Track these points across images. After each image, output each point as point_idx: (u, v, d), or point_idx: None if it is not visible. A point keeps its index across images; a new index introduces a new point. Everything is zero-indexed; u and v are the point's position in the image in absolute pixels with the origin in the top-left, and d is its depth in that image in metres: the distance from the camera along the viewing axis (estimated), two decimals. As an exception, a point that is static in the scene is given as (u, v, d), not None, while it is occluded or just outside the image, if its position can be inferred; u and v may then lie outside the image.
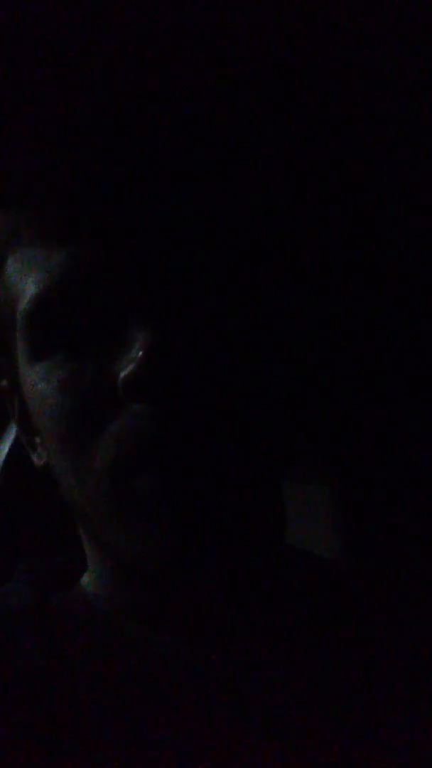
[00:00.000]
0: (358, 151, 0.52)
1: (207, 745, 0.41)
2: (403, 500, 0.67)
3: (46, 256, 0.43)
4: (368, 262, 0.60)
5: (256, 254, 0.46)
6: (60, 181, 0.43)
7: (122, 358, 0.41)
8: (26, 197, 0.44)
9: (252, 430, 0.43)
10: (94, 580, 0.50)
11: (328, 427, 0.69)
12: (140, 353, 0.39)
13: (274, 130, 0.48)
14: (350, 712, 0.43)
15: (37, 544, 0.63)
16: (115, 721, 0.42)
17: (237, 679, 0.44)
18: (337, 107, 0.49)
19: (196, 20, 0.43)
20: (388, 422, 0.67)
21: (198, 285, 0.43)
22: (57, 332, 0.43)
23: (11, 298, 0.46)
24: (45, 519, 0.65)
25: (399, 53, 0.47)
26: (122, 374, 0.40)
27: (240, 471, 0.43)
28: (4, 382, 0.51)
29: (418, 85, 0.47)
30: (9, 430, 0.66)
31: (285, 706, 0.43)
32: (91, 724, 0.42)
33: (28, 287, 0.44)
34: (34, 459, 0.50)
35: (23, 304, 0.44)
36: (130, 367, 0.40)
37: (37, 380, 0.44)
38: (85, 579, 0.51)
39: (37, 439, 0.50)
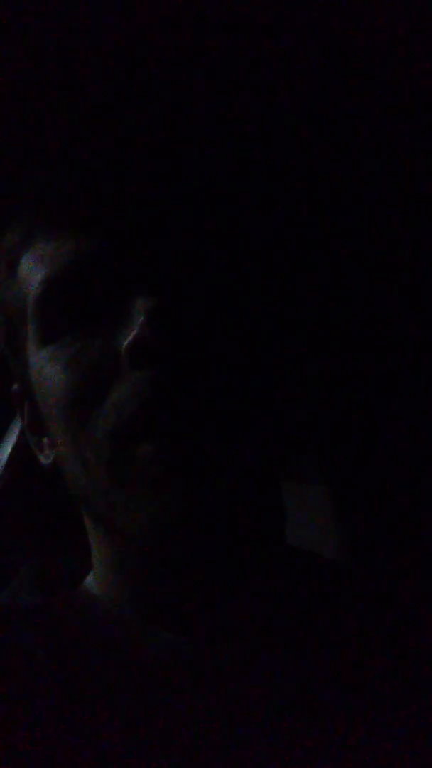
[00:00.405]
0: (361, 149, 0.52)
1: (210, 742, 0.41)
2: (402, 500, 0.67)
3: (56, 248, 0.45)
4: (369, 260, 0.60)
5: (256, 239, 0.49)
6: (68, 184, 0.46)
7: (126, 331, 0.42)
8: (40, 202, 0.47)
9: (252, 398, 0.44)
10: (98, 581, 0.50)
11: (326, 426, 0.69)
12: (141, 318, 0.41)
13: (273, 123, 0.49)
14: (350, 710, 0.43)
15: (40, 545, 0.63)
16: (119, 720, 0.42)
17: (240, 678, 0.44)
18: (337, 104, 0.49)
19: (207, 34, 0.44)
20: (387, 422, 0.67)
21: (198, 267, 0.45)
22: (64, 315, 0.44)
23: (23, 294, 0.47)
24: (49, 520, 0.65)
25: (400, 53, 0.47)
26: (125, 343, 0.41)
27: (240, 435, 0.43)
28: (16, 386, 0.52)
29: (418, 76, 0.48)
30: (11, 433, 0.66)
31: (286, 704, 0.43)
32: (95, 723, 0.42)
33: (39, 278, 0.46)
34: (42, 459, 0.51)
35: (33, 290, 0.46)
36: (133, 333, 0.41)
37: (44, 364, 0.45)
38: (89, 580, 0.51)
39: (45, 440, 0.50)
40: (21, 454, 0.66)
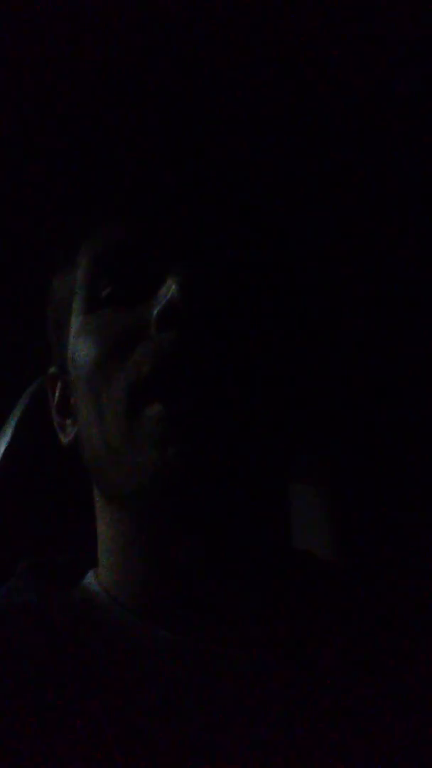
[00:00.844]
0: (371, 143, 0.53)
1: (209, 743, 0.41)
2: (399, 500, 0.67)
3: (105, 234, 0.50)
4: (371, 262, 0.60)
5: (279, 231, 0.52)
6: (121, 185, 0.53)
7: (159, 302, 0.45)
8: (98, 201, 0.53)
9: (266, 376, 0.47)
10: (102, 574, 0.50)
11: (323, 427, 0.69)
12: (173, 287, 0.44)
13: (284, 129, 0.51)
14: (350, 711, 0.43)
15: (39, 543, 0.62)
16: (118, 718, 0.42)
17: (239, 679, 0.44)
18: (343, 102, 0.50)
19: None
20: (384, 423, 0.68)
21: (226, 251, 0.48)
22: (105, 290, 0.49)
23: (72, 280, 0.52)
24: (47, 518, 0.65)
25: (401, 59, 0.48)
26: (156, 310, 0.45)
27: (249, 407, 0.45)
28: (53, 369, 0.55)
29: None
30: (5, 431, 0.66)
31: (286, 705, 0.43)
32: (94, 721, 0.42)
33: (86, 260, 0.51)
34: (61, 438, 0.54)
35: (81, 271, 0.51)
36: (164, 301, 0.44)
37: (80, 334, 0.49)
38: (88, 578, 0.51)
39: (69, 420, 0.53)
40: (17, 452, 0.66)
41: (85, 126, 0.52)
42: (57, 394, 0.54)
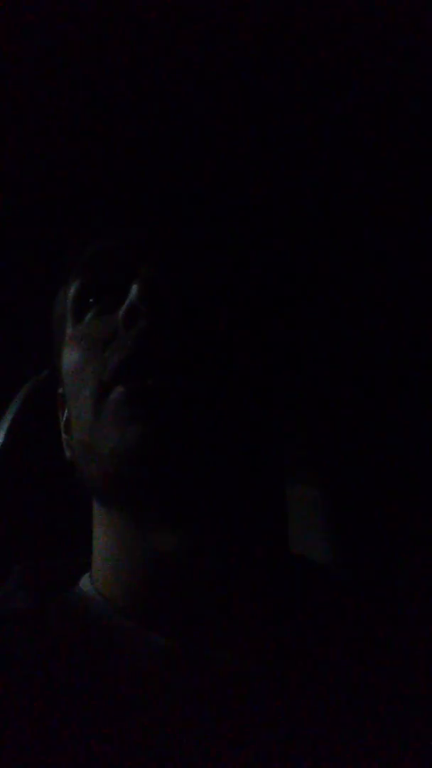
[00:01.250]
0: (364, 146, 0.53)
1: (206, 747, 0.41)
2: (397, 501, 0.67)
3: (91, 245, 0.52)
4: (368, 262, 0.60)
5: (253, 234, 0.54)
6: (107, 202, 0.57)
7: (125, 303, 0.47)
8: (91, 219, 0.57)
9: (233, 368, 0.47)
10: (96, 578, 0.50)
11: (322, 428, 0.69)
12: (134, 288, 0.46)
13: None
14: (348, 714, 0.43)
15: (33, 547, 0.62)
16: (113, 722, 0.41)
17: (234, 683, 0.43)
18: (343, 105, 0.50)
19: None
20: (381, 424, 0.68)
21: (195, 255, 0.50)
22: (92, 298, 0.51)
23: (68, 293, 0.54)
24: (42, 521, 0.64)
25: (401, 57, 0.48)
26: (122, 310, 0.47)
27: (210, 394, 0.46)
28: (60, 390, 0.56)
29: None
30: (0, 430, 0.66)
31: (282, 711, 0.43)
32: (89, 725, 0.41)
33: (75, 275, 0.53)
34: (66, 453, 0.55)
35: (73, 279, 0.53)
36: (129, 300, 0.47)
37: (68, 341, 0.52)
38: (84, 582, 0.51)
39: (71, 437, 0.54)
40: (12, 456, 0.66)
41: (72, 140, 0.54)
42: (65, 413, 0.55)
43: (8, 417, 0.66)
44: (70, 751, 0.40)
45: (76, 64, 0.48)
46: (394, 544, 0.66)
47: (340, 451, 0.70)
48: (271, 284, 0.54)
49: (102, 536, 0.50)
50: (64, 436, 0.55)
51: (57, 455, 0.54)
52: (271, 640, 0.46)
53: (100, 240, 0.52)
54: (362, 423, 0.68)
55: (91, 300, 0.51)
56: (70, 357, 0.51)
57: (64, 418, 0.55)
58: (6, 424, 0.66)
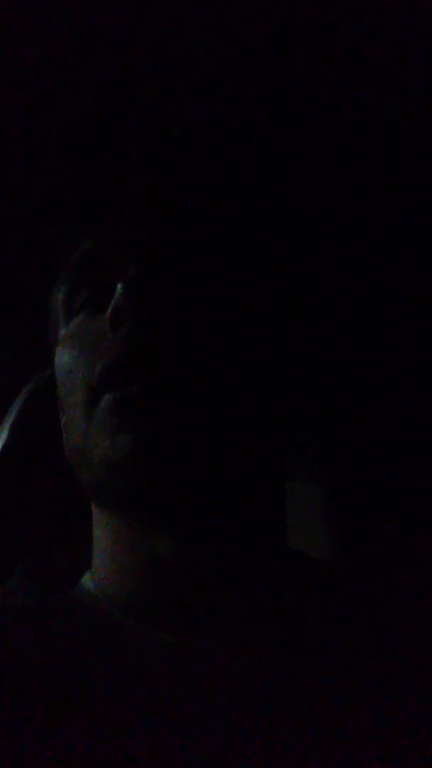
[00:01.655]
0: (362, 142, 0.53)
1: (207, 744, 0.41)
2: (396, 501, 0.67)
3: (83, 245, 0.52)
4: (370, 261, 0.60)
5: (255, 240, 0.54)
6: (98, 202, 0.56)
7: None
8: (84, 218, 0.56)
9: (221, 370, 0.47)
10: (96, 576, 0.50)
11: (322, 425, 0.69)
12: (118, 290, 0.46)
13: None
14: (348, 711, 0.43)
15: (36, 544, 0.62)
16: (114, 721, 0.42)
17: (237, 679, 0.44)
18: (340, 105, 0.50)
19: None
20: (381, 421, 0.68)
21: (181, 252, 0.50)
22: (82, 297, 0.51)
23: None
24: (44, 519, 0.64)
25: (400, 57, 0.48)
26: (108, 311, 0.46)
27: (200, 399, 0.45)
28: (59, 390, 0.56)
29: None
30: (2, 430, 0.66)
31: (284, 708, 0.43)
32: (90, 724, 0.41)
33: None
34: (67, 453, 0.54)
35: (65, 279, 0.53)
36: (114, 301, 0.46)
37: (60, 341, 0.52)
38: (85, 579, 0.51)
39: None
40: (13, 453, 0.66)
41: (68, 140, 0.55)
42: (62, 413, 0.55)
43: (11, 416, 0.67)
44: (71, 749, 0.40)
45: (69, 65, 0.49)
46: (393, 541, 0.66)
47: (340, 448, 0.70)
48: (264, 280, 0.53)
49: (101, 536, 0.50)
50: (65, 435, 0.55)
51: (58, 455, 0.54)
52: (271, 637, 0.46)
53: (91, 238, 0.52)
54: (362, 420, 0.68)
55: (81, 300, 0.51)
56: (61, 358, 0.51)
57: (64, 419, 0.55)
58: (8, 424, 0.66)
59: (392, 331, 0.65)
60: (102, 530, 0.50)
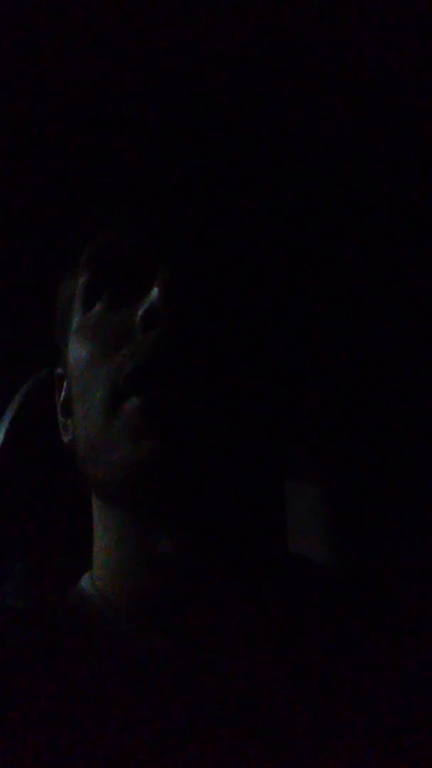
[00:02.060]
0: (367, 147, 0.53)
1: (206, 745, 0.41)
2: (396, 501, 0.67)
3: (105, 235, 0.51)
4: (370, 263, 0.60)
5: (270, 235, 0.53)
6: (123, 192, 0.54)
7: (145, 303, 0.46)
8: (103, 210, 0.54)
9: (250, 375, 0.47)
10: (96, 578, 0.50)
11: (322, 427, 0.69)
12: (155, 289, 0.45)
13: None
14: (347, 714, 0.43)
15: (35, 545, 0.62)
16: (113, 722, 0.42)
17: (235, 682, 0.44)
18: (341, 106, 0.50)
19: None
20: (381, 423, 0.68)
21: (217, 254, 0.49)
22: (104, 288, 0.50)
23: (75, 282, 0.53)
24: (43, 519, 0.64)
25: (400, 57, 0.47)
26: (140, 311, 0.46)
27: (228, 405, 0.45)
28: (59, 370, 0.57)
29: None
30: (0, 428, 0.66)
31: (282, 710, 0.43)
32: (89, 725, 0.41)
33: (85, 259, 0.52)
34: (63, 437, 0.55)
35: (84, 268, 0.52)
36: (147, 303, 0.46)
37: (77, 329, 0.51)
38: (84, 581, 0.51)
39: (69, 420, 0.53)
40: (11, 453, 0.66)
41: (84, 131, 0.53)
42: (62, 394, 0.55)
43: (8, 416, 0.66)
44: (69, 750, 0.40)
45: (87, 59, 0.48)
46: (393, 543, 0.66)
47: (340, 449, 0.70)
48: (288, 290, 0.53)
49: (102, 536, 0.50)
50: (60, 418, 0.55)
51: (57, 455, 0.54)
52: (270, 640, 0.46)
53: (114, 230, 0.51)
54: (362, 422, 0.68)
55: (102, 291, 0.50)
56: (79, 349, 0.50)
57: (62, 399, 0.55)
58: (6, 423, 0.66)
59: (392, 331, 0.65)
60: (105, 529, 0.50)
